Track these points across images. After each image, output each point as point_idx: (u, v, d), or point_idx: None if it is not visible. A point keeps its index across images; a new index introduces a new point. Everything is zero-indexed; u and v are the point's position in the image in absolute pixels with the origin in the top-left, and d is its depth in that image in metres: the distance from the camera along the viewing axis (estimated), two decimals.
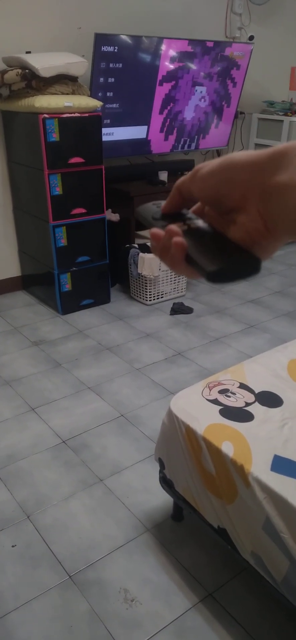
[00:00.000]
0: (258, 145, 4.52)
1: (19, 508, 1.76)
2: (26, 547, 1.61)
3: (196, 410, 1.48)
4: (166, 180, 3.67)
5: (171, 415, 1.50)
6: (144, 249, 3.40)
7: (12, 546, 1.61)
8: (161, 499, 1.75)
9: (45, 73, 2.75)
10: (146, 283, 3.32)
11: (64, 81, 2.88)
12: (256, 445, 1.32)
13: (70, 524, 1.69)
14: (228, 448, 1.32)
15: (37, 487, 1.85)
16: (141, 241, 3.57)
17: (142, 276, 3.29)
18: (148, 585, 1.48)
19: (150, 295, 3.36)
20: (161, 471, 1.61)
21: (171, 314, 3.26)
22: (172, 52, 3.44)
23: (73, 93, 2.91)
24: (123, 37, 3.19)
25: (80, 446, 2.06)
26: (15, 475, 1.90)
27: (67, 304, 3.22)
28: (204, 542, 1.61)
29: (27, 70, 2.78)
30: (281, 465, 1.25)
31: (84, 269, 3.21)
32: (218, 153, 4.44)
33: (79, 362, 2.68)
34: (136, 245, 3.39)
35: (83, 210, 3.08)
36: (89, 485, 1.85)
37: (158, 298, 3.40)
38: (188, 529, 1.67)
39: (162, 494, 1.66)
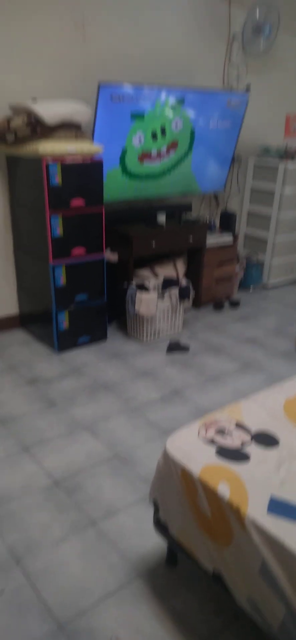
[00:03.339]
0: (254, 189, 4.63)
1: (8, 552, 1.70)
2: (15, 594, 1.55)
3: (192, 450, 1.45)
4: (164, 222, 3.74)
5: (166, 455, 1.48)
6: (142, 288, 3.43)
7: (0, 593, 1.55)
8: (155, 543, 1.70)
9: (50, 120, 2.84)
10: (143, 321, 3.33)
11: (68, 128, 2.97)
12: (252, 487, 1.29)
13: (61, 569, 1.63)
14: (224, 489, 1.29)
15: (27, 530, 1.80)
16: (138, 280, 3.60)
17: (139, 314, 3.30)
18: (140, 635, 1.42)
19: (147, 333, 3.37)
20: (155, 513, 1.57)
21: (167, 352, 3.25)
22: (172, 100, 3.57)
23: (76, 139, 3.00)
24: (125, 86, 3.32)
25: (73, 487, 2.01)
26: (5, 518, 1.85)
27: (64, 342, 3.22)
28: (199, 588, 1.55)
29: (32, 118, 2.87)
30: (277, 507, 1.22)
31: (82, 307, 3.23)
32: (215, 196, 4.54)
33: (74, 401, 2.65)
34: (134, 284, 3.42)
35: (83, 251, 3.12)
36: (81, 529, 1.80)
37: (154, 336, 3.41)
38: (182, 574, 1.61)
39: (156, 537, 1.61)
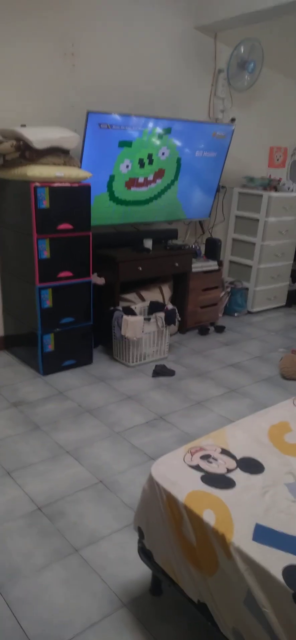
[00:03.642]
0: (238, 217, 4.74)
1: None
2: None
3: (178, 476, 1.45)
4: (150, 247, 3.78)
5: (151, 481, 1.47)
6: (128, 311, 3.45)
7: None
8: (140, 571, 1.68)
9: (39, 145, 2.87)
10: (129, 345, 3.34)
11: (56, 153, 3.01)
12: (237, 514, 1.29)
13: (42, 598, 1.59)
14: (209, 516, 1.29)
15: (9, 556, 1.75)
16: (125, 304, 3.62)
17: (125, 338, 3.31)
18: None
19: (132, 357, 3.37)
20: (140, 541, 1.55)
21: (153, 376, 3.26)
22: (159, 129, 3.66)
23: (64, 164, 3.04)
24: (113, 115, 3.39)
25: (56, 513, 1.98)
26: None
27: (49, 365, 3.20)
28: (184, 617, 1.53)
29: (21, 142, 2.90)
30: (263, 534, 1.22)
31: (67, 329, 3.22)
32: (201, 224, 4.63)
33: (58, 425, 2.63)
34: (120, 308, 3.43)
35: (70, 274, 3.13)
36: (64, 556, 1.77)
37: (140, 360, 3.41)
38: (167, 603, 1.59)
39: (140, 565, 1.59)
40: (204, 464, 1.50)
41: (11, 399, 2.87)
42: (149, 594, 1.62)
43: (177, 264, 3.87)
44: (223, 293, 4.50)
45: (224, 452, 1.58)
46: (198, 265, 4.09)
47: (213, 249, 4.32)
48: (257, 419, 1.81)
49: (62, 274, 3.10)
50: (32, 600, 1.58)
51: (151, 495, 1.47)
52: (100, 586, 1.64)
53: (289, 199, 4.59)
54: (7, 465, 2.26)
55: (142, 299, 3.79)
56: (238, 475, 1.46)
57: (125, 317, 3.27)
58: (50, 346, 3.17)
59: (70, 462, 2.31)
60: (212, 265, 4.20)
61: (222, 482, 1.42)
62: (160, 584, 1.60)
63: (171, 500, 1.39)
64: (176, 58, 4.00)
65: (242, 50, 4.24)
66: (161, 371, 3.29)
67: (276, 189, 4.59)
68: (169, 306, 3.53)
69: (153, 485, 1.46)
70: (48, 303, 3.09)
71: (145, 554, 1.53)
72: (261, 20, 3.92)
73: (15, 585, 1.64)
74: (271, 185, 4.62)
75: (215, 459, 1.53)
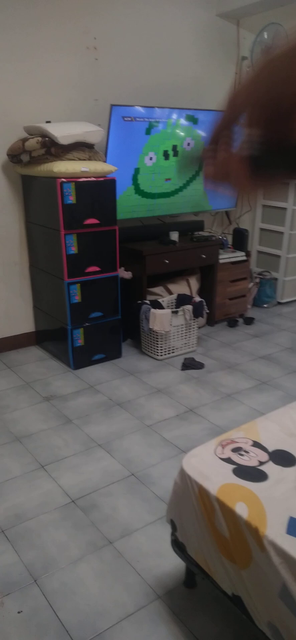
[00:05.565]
0: (265, 206, 4.65)
1: (26, 571, 1.71)
2: (32, 614, 1.55)
3: (209, 469, 1.45)
4: (177, 240, 3.77)
5: (183, 474, 1.47)
6: (156, 305, 3.45)
7: (18, 612, 1.55)
8: (173, 564, 1.69)
9: (64, 141, 2.91)
10: (157, 338, 3.34)
11: (81, 148, 3.03)
12: (271, 507, 1.28)
13: (78, 589, 1.63)
14: (242, 509, 1.28)
15: (45, 549, 1.80)
16: (152, 297, 3.63)
17: (153, 331, 3.32)
18: None
19: (161, 350, 3.38)
20: (172, 534, 1.56)
21: (182, 369, 3.25)
22: (183, 120, 3.63)
23: (89, 159, 3.06)
24: (137, 107, 3.38)
25: (89, 506, 2.01)
26: (22, 536, 1.86)
27: (79, 359, 3.25)
28: (219, 610, 1.54)
29: (46, 138, 2.94)
30: None
31: (96, 324, 3.26)
32: (227, 214, 4.57)
33: (90, 418, 2.67)
34: (148, 302, 3.44)
35: (97, 269, 3.16)
36: (98, 548, 1.80)
37: (169, 353, 3.41)
38: (201, 596, 1.60)
39: (174, 558, 1.60)
40: (235, 457, 1.50)
41: (43, 393, 2.94)
42: (183, 586, 1.63)
43: (204, 256, 3.84)
44: (251, 284, 4.44)
45: (256, 444, 1.56)
46: (226, 257, 4.04)
47: (240, 239, 4.26)
48: (289, 411, 1.78)
49: (90, 269, 3.14)
50: (68, 591, 1.62)
51: (182, 488, 1.47)
52: (134, 578, 1.67)
53: None
54: (41, 459, 2.32)
55: (170, 292, 3.78)
56: (270, 468, 1.44)
57: (153, 310, 3.28)
58: (80, 341, 3.21)
59: (102, 455, 2.34)
60: (240, 256, 4.15)
61: (254, 474, 1.41)
62: (194, 576, 1.61)
63: (203, 493, 1.39)
64: (198, 47, 3.95)
65: (266, 35, 4.14)
66: (190, 364, 3.28)
67: None
68: (197, 298, 3.51)
69: (184, 478, 1.46)
70: (77, 298, 3.13)
71: (178, 546, 1.54)
72: (285, 3, 3.81)
73: (52, 576, 1.68)
74: None
75: (247, 452, 1.52)
